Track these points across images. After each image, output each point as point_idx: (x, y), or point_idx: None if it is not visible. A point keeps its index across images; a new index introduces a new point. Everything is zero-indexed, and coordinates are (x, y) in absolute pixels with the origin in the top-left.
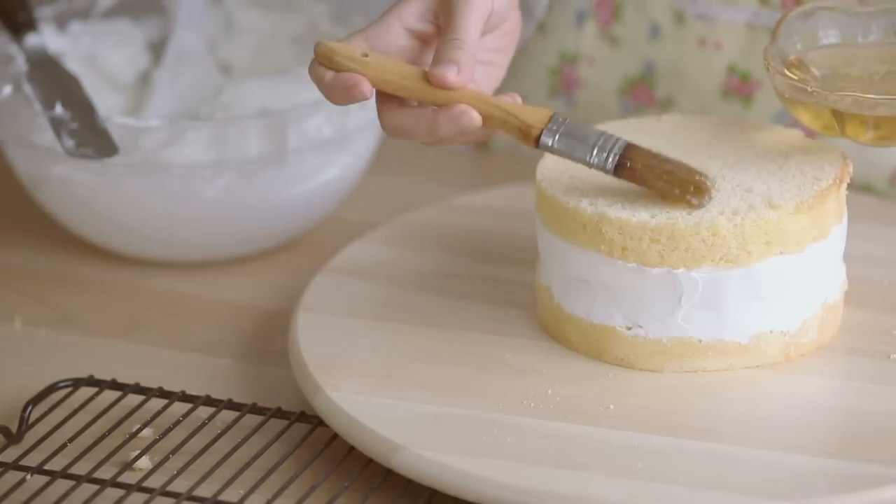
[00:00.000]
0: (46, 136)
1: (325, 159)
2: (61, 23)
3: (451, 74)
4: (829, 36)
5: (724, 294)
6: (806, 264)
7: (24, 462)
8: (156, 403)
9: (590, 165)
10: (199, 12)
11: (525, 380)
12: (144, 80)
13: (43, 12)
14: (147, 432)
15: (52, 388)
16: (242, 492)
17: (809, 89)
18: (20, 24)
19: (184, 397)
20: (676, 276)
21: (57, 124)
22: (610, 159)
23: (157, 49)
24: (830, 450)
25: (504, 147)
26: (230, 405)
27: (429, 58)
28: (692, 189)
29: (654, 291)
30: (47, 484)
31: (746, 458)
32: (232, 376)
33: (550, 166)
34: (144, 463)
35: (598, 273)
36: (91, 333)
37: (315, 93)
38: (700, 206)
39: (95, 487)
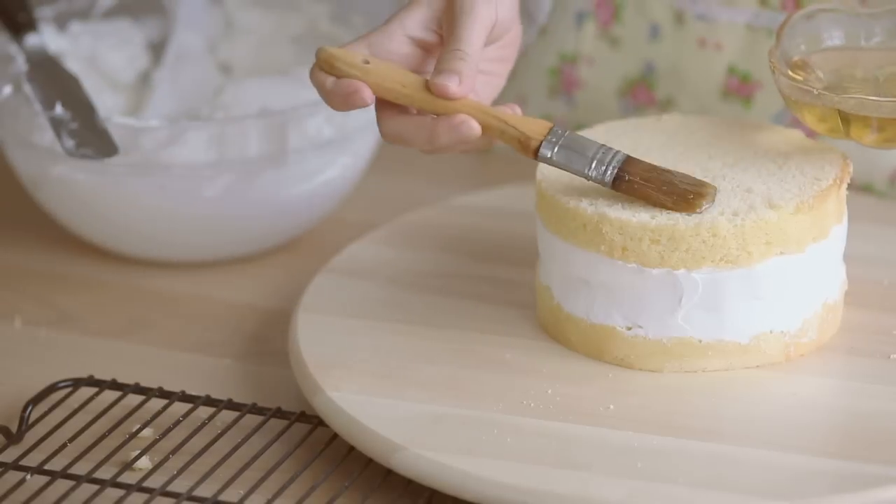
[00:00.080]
0: (46, 136)
1: (325, 159)
2: (61, 23)
3: (452, 85)
4: (833, 37)
5: (725, 294)
6: (806, 264)
7: (24, 462)
8: (156, 403)
9: (588, 178)
10: (199, 12)
11: (525, 380)
12: (144, 80)
13: (43, 12)
14: (147, 432)
15: (52, 388)
16: (242, 492)
17: (815, 91)
18: (20, 24)
19: (184, 397)
20: (676, 277)
21: (57, 124)
22: (608, 172)
23: (157, 49)
24: (830, 450)
25: (504, 148)
26: (230, 405)
27: (430, 67)
28: (691, 198)
29: (654, 292)
30: (47, 484)
31: (746, 458)
32: (232, 376)
33: (550, 167)
34: (144, 463)
35: (598, 273)
36: (91, 333)
37: (315, 93)
38: (702, 210)
39: (95, 487)
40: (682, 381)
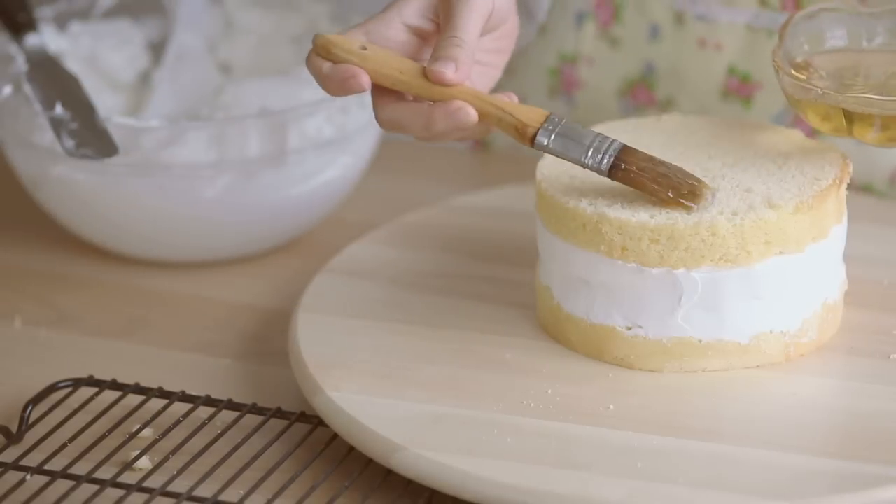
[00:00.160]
0: (46, 136)
1: (325, 159)
2: (61, 23)
3: (449, 71)
4: (836, 37)
5: (724, 294)
6: (806, 264)
7: (24, 462)
8: (156, 403)
9: (584, 166)
10: (199, 12)
11: (525, 380)
12: (144, 80)
13: (43, 12)
14: (147, 432)
15: (52, 388)
16: (242, 492)
17: (819, 90)
18: (20, 24)
19: (184, 397)
20: (676, 277)
21: (57, 124)
22: (605, 160)
23: (157, 49)
24: (830, 450)
25: (504, 147)
26: (230, 405)
27: (427, 55)
28: (686, 192)
29: (653, 291)
30: (47, 484)
31: (746, 458)
32: (232, 376)
33: (550, 166)
34: (144, 463)
35: (597, 273)
36: (91, 333)
37: (315, 93)
38: (696, 209)
39: (95, 487)
40: (682, 381)
